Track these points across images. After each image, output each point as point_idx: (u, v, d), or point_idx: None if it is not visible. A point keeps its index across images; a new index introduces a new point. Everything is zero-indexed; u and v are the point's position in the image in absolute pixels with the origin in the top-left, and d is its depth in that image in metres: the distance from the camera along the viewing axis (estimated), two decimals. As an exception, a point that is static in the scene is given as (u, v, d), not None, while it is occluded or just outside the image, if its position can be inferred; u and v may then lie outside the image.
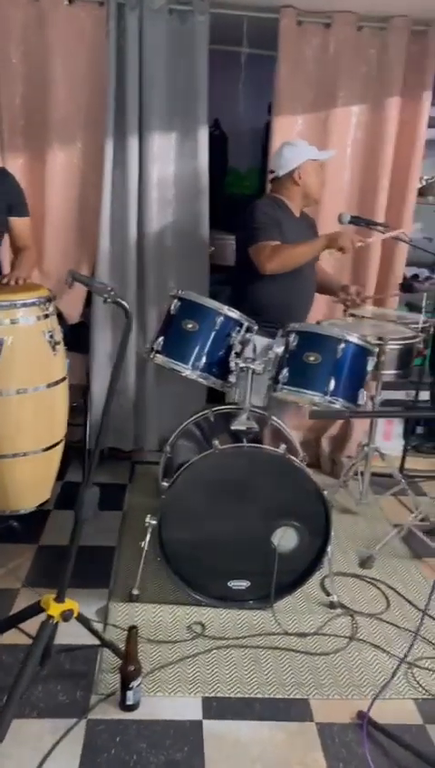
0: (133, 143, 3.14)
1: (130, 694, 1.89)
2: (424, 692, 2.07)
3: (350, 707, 1.99)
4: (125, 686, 1.89)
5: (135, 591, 2.43)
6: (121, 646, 1.98)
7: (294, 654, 2.21)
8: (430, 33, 3.16)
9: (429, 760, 1.77)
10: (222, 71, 3.29)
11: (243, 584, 2.40)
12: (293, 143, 2.85)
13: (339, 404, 2.39)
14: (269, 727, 1.91)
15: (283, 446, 2.35)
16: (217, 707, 1.97)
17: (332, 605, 2.48)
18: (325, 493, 2.35)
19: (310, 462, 3.68)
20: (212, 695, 2.01)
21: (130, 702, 1.90)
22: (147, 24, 3.03)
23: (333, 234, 2.66)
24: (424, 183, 3.84)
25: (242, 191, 4.37)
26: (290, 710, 1.97)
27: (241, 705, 1.98)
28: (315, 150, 2.83)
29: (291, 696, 2.02)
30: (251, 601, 2.42)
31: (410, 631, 2.34)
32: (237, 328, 2.48)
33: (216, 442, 2.30)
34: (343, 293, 2.99)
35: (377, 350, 2.60)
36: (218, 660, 2.15)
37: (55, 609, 1.87)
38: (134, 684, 1.89)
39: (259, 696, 2.02)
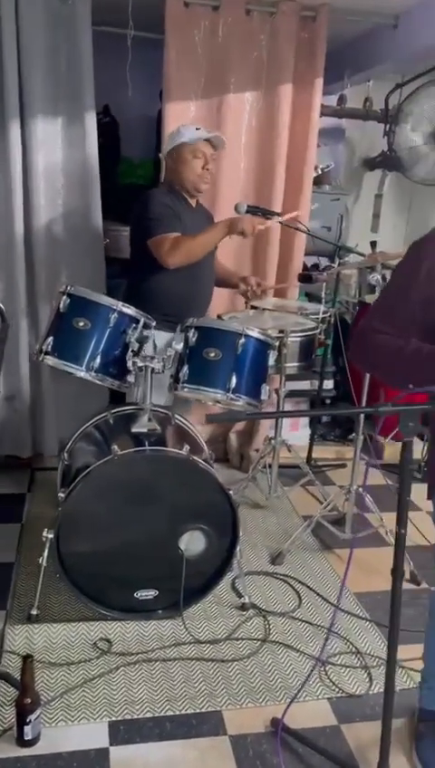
0: (15, 130, 2.93)
1: (27, 729, 1.74)
2: (338, 690, 2.04)
3: (264, 714, 1.92)
4: (22, 720, 1.73)
5: (34, 611, 2.26)
6: (18, 675, 1.82)
7: (205, 663, 2.12)
8: (319, 20, 3.13)
9: (343, 763, 1.74)
10: (111, 54, 3.13)
11: (150, 594, 2.28)
12: (183, 126, 2.72)
13: (242, 401, 2.33)
14: (181, 746, 1.81)
15: (186, 447, 2.25)
16: (125, 731, 1.85)
17: (243, 607, 2.41)
18: (231, 492, 2.27)
19: (218, 457, 3.62)
20: (119, 718, 1.89)
21: (28, 737, 1.75)
22: (23, 6, 2.84)
23: (233, 219, 2.56)
24: (320, 172, 3.84)
25: (136, 181, 4.21)
26: (202, 725, 1.88)
27: (151, 725, 1.87)
28: (199, 133, 2.64)
29: (203, 710, 1.93)
30: (160, 611, 2.31)
31: (322, 628, 2.31)
32: (134, 325, 2.35)
33: (115, 447, 2.17)
34: (244, 284, 2.92)
35: (278, 343, 2.55)
36: (126, 679, 2.03)
37: None
38: (32, 717, 1.74)
39: (170, 713, 1.92)
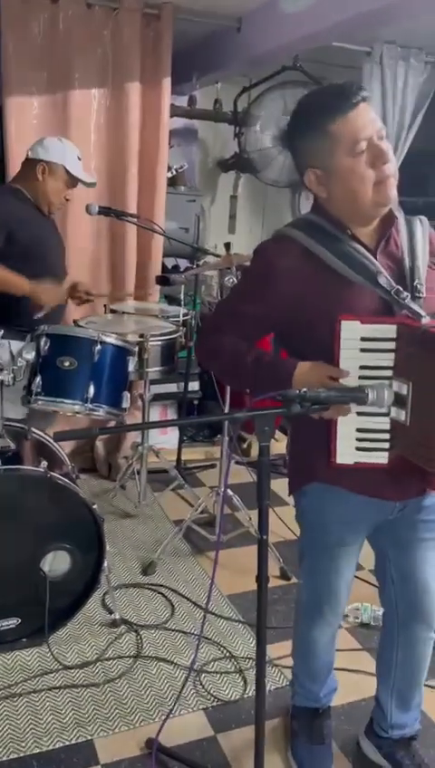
0: None
1: None
2: (213, 699, 2.01)
3: (139, 736, 1.85)
4: None
5: None
6: None
7: (75, 690, 2.01)
8: (163, 18, 3.09)
9: (220, 775, 1.71)
10: None
11: (12, 622, 2.13)
12: (67, 142, 2.58)
13: (102, 410, 2.24)
14: (50, 785, 1.70)
15: (43, 463, 2.13)
16: (-13, 778, 1.71)
17: (114, 623, 2.32)
18: (95, 506, 2.17)
19: (85, 467, 3.51)
20: (-20, 764, 1.74)
21: None
22: None
23: (38, 288, 2.37)
24: (174, 172, 3.82)
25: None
26: (72, 758, 1.78)
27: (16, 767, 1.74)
28: (79, 168, 2.55)
29: (73, 742, 1.82)
30: (24, 639, 2.17)
31: (195, 635, 2.27)
32: (-23, 334, 2.18)
33: (-37, 468, 2.00)
34: (73, 291, 2.75)
35: (137, 348, 2.48)
36: (-13, 719, 1.88)
37: None
38: None
39: (37, 750, 1.79)
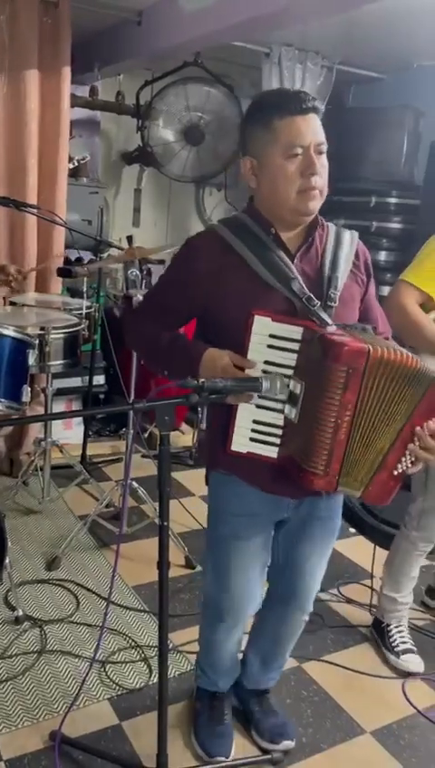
0: None
1: None
2: (118, 688, 2.03)
3: (42, 730, 1.84)
4: None
5: None
6: None
7: (-24, 690, 1.98)
8: (61, 7, 3.04)
9: (124, 761, 1.73)
10: None
11: None
12: None
13: (1, 405, 2.20)
14: None
15: None
16: None
17: (17, 620, 2.29)
18: (-5, 503, 2.13)
19: (-15, 465, 3.41)
20: None
21: None
22: None
23: None
24: (76, 164, 3.76)
25: None
26: (-27, 759, 1.75)
27: None
28: None
29: (-26, 741, 1.80)
30: None
31: (100, 627, 2.28)
32: None
33: None
34: (2, 274, 2.71)
35: (37, 341, 2.45)
36: None
37: None
38: None
39: None
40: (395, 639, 2.25)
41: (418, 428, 1.37)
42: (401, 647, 2.24)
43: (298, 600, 1.74)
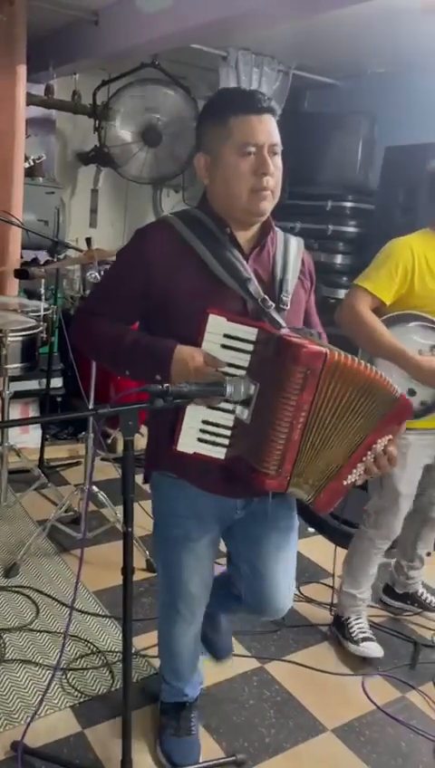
0: None
1: None
2: (81, 695, 2.01)
3: (3, 741, 1.80)
4: None
5: None
6: None
7: None
8: (17, 4, 3.00)
9: (88, 769, 1.72)
10: None
11: None
12: None
13: (-43, 409, 2.15)
14: None
15: None
16: None
17: (-25, 630, 2.25)
18: None
19: None
20: None
21: None
22: None
23: None
24: (32, 163, 3.71)
25: None
26: None
27: None
28: None
29: None
30: None
31: (61, 634, 2.25)
32: None
33: None
34: None
35: (-5, 344, 2.41)
36: None
37: None
38: None
39: None
40: (354, 630, 2.30)
41: (375, 445, 1.40)
42: (361, 635, 2.28)
43: (269, 607, 1.70)
